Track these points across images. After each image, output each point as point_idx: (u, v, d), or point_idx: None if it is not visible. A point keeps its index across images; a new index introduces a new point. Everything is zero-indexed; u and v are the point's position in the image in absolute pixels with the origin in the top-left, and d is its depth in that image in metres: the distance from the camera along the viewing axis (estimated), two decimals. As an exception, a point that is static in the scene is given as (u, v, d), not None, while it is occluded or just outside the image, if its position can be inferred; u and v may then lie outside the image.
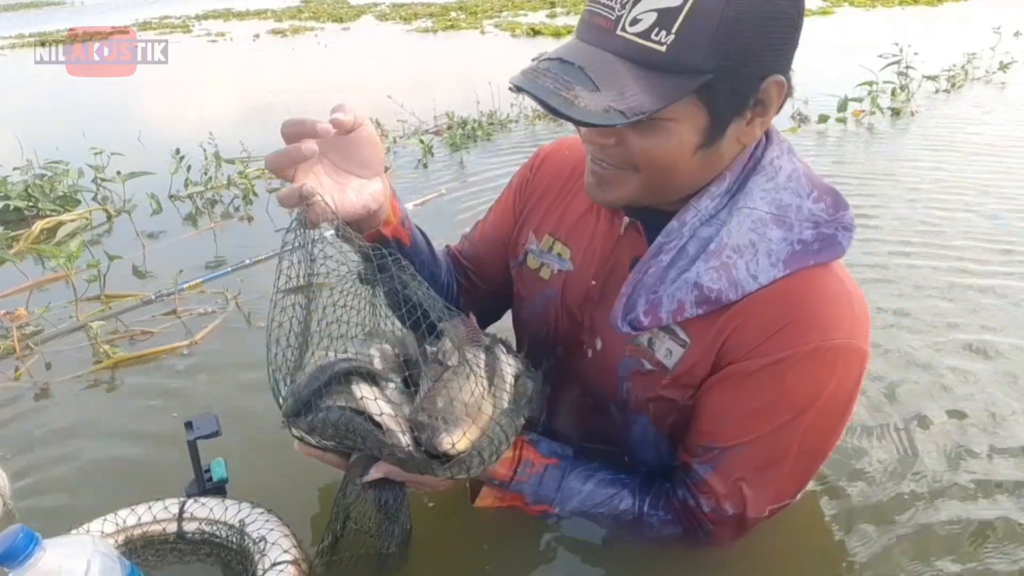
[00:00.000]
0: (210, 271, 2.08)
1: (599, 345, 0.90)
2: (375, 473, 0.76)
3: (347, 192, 0.79)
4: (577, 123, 0.66)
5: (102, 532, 0.90)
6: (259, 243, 2.28)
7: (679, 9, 0.64)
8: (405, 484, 0.80)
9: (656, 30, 0.64)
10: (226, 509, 0.92)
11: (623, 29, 0.66)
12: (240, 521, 0.90)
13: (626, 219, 0.87)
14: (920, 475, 1.13)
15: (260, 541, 0.86)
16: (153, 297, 1.92)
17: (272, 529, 0.87)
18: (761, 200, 0.76)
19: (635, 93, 0.65)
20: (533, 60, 0.71)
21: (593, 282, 0.90)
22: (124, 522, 0.92)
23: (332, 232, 0.78)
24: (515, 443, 0.87)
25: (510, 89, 0.69)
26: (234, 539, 0.89)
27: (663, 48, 0.65)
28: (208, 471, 0.98)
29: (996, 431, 1.24)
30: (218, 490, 0.98)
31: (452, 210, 2.57)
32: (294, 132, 0.72)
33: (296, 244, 0.73)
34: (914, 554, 0.97)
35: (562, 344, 0.96)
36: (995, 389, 1.37)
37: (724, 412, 0.79)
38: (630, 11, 0.65)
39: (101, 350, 1.65)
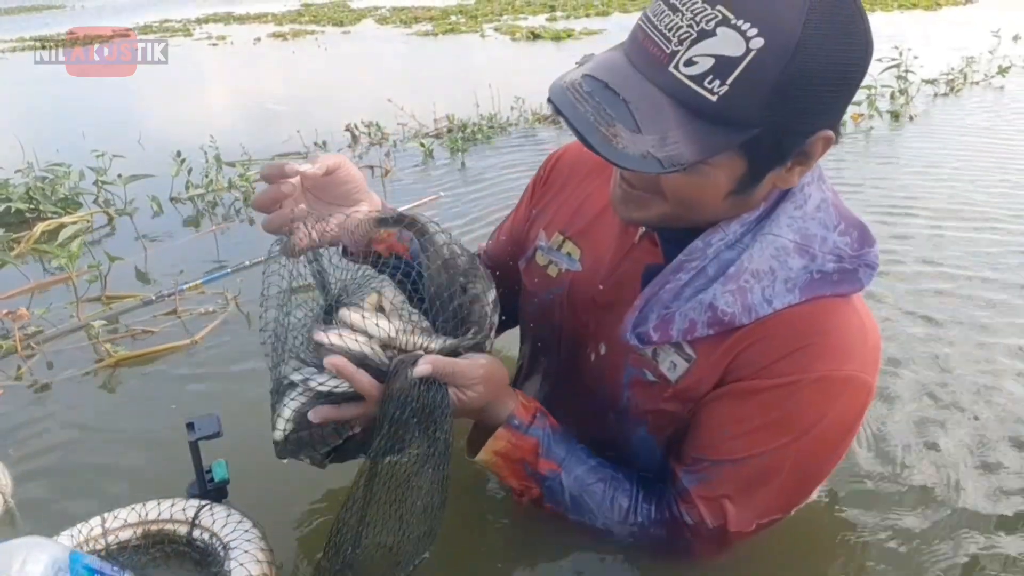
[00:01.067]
0: (210, 273, 2.08)
1: (603, 350, 0.90)
2: (423, 366, 0.74)
3: (328, 221, 0.85)
4: (613, 164, 0.64)
5: (125, 521, 0.92)
6: (260, 245, 2.28)
7: (738, 60, 0.60)
8: (447, 388, 0.77)
9: (710, 77, 0.61)
10: (225, 523, 0.91)
11: (676, 67, 0.62)
12: (228, 541, 0.89)
13: (642, 228, 0.86)
14: (921, 478, 1.14)
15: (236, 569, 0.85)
16: (153, 297, 1.92)
17: (245, 562, 0.85)
18: (787, 228, 0.75)
19: (676, 141, 0.62)
20: (577, 64, 0.69)
21: (601, 287, 0.89)
22: (146, 515, 0.93)
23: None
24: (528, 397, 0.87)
25: (549, 102, 0.66)
26: (220, 555, 0.89)
27: (714, 99, 0.61)
28: (210, 472, 0.99)
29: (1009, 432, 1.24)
30: (220, 491, 0.99)
31: (452, 213, 2.58)
32: (271, 174, 0.80)
33: (277, 267, 0.83)
34: (917, 557, 0.97)
35: (566, 345, 0.96)
36: (1004, 386, 1.38)
37: (721, 427, 0.79)
38: (687, 50, 0.61)
39: (103, 349, 1.66)
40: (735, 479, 0.79)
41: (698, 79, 0.61)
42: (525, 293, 1.03)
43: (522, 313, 1.06)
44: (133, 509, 0.94)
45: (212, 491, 0.98)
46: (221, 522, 0.91)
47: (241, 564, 0.85)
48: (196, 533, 0.92)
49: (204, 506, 0.94)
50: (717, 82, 0.61)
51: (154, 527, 0.93)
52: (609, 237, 0.91)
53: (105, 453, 1.30)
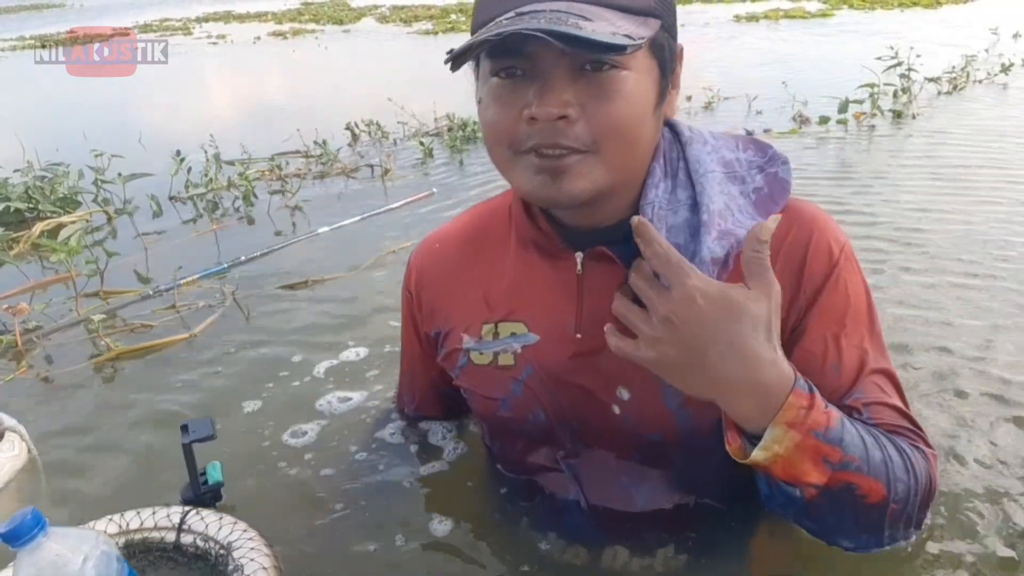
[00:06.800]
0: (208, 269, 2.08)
1: (625, 395, 0.81)
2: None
3: None
4: (590, 47, 0.62)
5: (105, 531, 0.89)
6: (259, 244, 2.27)
7: None
8: None
9: None
10: (219, 528, 0.88)
11: None
12: (228, 543, 0.87)
13: (579, 255, 0.79)
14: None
15: (237, 571, 0.82)
16: (151, 292, 1.92)
17: (252, 560, 0.83)
18: (712, 162, 0.77)
19: (623, 25, 0.66)
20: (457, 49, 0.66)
21: (579, 335, 0.80)
22: (127, 524, 0.90)
23: None
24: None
25: (480, 50, 0.66)
26: (221, 560, 0.86)
27: None
28: (204, 474, 0.98)
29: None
30: (214, 493, 0.98)
31: (447, 209, 2.57)
32: None
33: None
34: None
35: (574, 417, 0.85)
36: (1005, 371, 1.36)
37: (831, 349, 0.76)
38: None
39: (103, 343, 1.66)
40: (873, 350, 0.78)
41: None
42: (481, 403, 0.91)
43: (495, 424, 0.94)
44: (112, 520, 0.91)
45: (206, 493, 0.97)
46: (215, 525, 0.89)
47: (252, 559, 0.83)
48: (185, 539, 0.90)
49: (189, 511, 0.91)
50: None
51: (138, 536, 0.90)
52: (546, 291, 0.82)
53: (104, 447, 1.29)
